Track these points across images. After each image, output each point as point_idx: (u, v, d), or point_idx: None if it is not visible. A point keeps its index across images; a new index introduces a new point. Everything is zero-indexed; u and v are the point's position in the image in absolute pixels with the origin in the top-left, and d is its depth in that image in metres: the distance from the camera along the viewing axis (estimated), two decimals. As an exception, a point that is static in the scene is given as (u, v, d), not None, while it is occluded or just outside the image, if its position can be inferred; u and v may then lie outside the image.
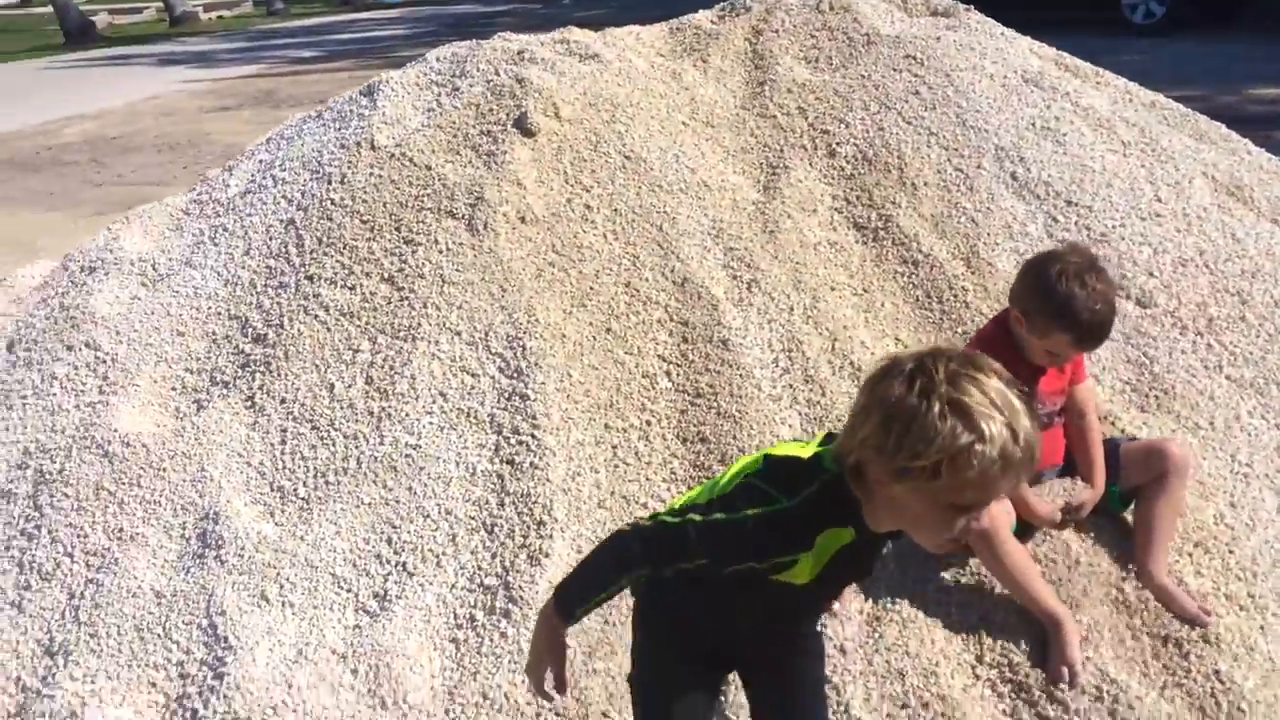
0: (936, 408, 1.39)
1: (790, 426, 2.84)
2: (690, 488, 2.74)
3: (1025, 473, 1.43)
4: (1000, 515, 2.39)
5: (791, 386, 2.91)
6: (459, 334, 2.97)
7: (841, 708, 2.27)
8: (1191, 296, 3.28)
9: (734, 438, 2.76)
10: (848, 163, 3.62)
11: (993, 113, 3.71)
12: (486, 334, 2.98)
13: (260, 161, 3.88)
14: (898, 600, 2.48)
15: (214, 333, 3.18)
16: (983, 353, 2.48)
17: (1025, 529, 2.55)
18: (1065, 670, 2.31)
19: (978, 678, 2.36)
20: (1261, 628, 2.53)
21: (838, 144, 3.68)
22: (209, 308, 3.25)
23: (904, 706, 2.28)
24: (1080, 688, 2.29)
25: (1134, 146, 3.70)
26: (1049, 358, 2.50)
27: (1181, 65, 11.19)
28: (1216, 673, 2.34)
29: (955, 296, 3.22)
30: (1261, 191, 3.77)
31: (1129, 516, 2.65)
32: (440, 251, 3.15)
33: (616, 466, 2.74)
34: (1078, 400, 2.61)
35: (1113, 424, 2.92)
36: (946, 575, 2.53)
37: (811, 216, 3.47)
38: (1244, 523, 2.77)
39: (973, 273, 3.28)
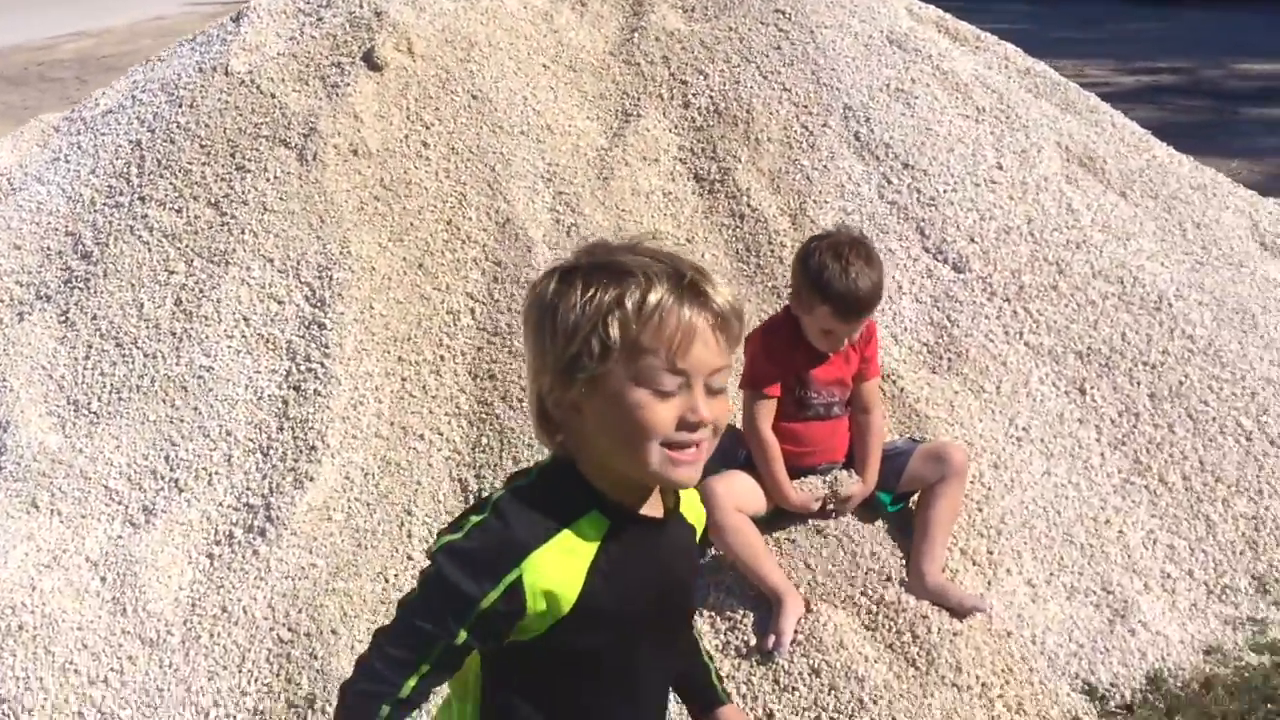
0: (579, 284, 1.23)
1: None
2: (473, 424, 2.85)
3: (712, 304, 1.23)
4: (726, 497, 2.47)
5: (587, 330, 3.00)
6: (271, 261, 3.06)
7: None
8: (1008, 264, 3.34)
9: (519, 375, 2.86)
10: (699, 114, 3.66)
11: (848, 72, 3.73)
12: (299, 263, 3.06)
13: (132, 82, 3.95)
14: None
15: (49, 248, 3.28)
16: (766, 339, 2.57)
17: (781, 515, 2.63)
18: (772, 639, 2.40)
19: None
20: (989, 584, 2.63)
21: (693, 95, 3.72)
22: (49, 223, 3.35)
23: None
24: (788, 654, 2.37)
25: (988, 113, 3.72)
26: (825, 339, 2.57)
27: (1186, 36, 11.05)
28: (924, 617, 2.44)
29: (773, 252, 3.28)
30: (1116, 164, 3.80)
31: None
32: (268, 179, 3.23)
33: (402, 398, 2.84)
34: (863, 396, 2.67)
35: (894, 382, 3.00)
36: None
37: (652, 166, 3.52)
38: (1004, 483, 2.86)
39: (796, 229, 3.34)
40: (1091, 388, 3.12)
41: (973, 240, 3.36)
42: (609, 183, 3.41)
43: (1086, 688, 2.49)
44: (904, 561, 2.60)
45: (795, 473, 2.62)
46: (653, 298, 1.21)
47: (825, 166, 3.50)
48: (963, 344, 3.14)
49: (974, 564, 2.66)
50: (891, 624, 2.47)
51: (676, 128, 3.65)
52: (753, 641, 2.42)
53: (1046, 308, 3.25)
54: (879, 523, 2.69)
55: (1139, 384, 3.14)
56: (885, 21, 3.93)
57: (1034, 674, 2.46)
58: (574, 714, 1.34)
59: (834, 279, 2.48)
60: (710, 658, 1.61)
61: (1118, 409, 3.09)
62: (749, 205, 3.38)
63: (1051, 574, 2.71)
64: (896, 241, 3.36)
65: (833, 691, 2.35)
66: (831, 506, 2.64)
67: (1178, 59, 9.95)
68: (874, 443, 2.67)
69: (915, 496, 2.69)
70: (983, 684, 2.38)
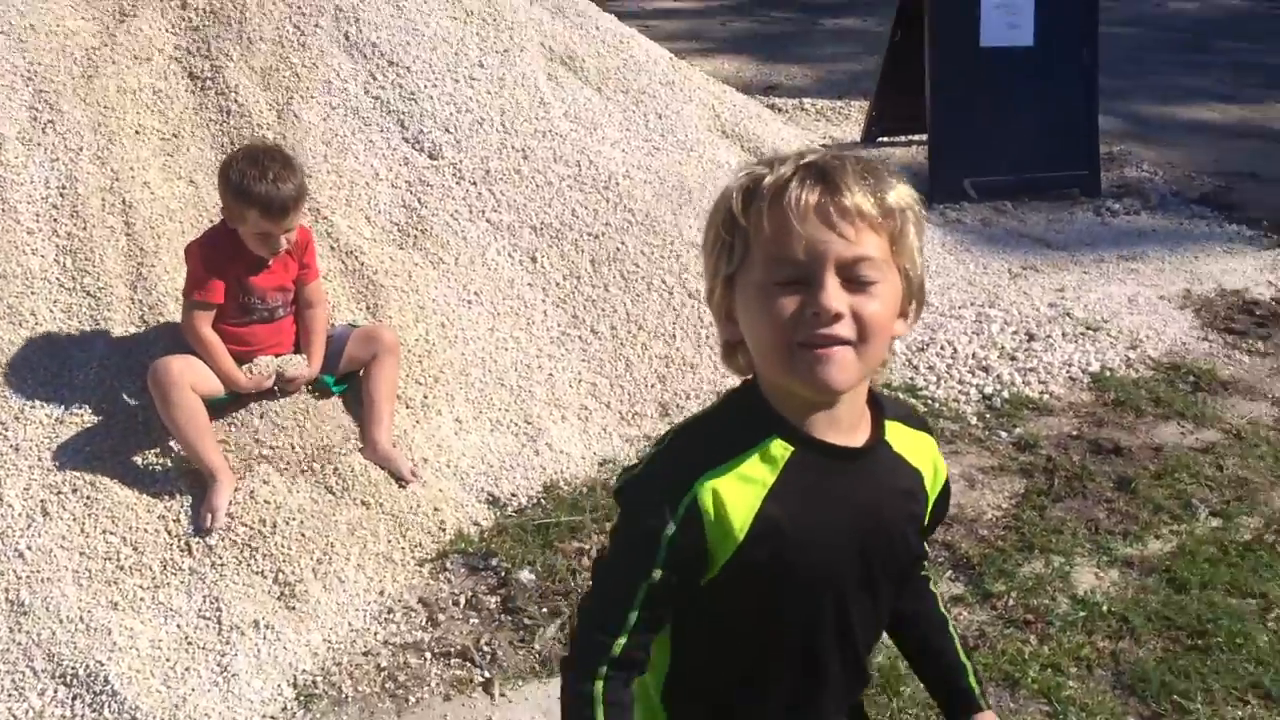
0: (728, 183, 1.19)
1: (43, 256, 3.10)
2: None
3: (842, 190, 1.12)
4: (181, 375, 2.75)
5: (54, 220, 3.17)
6: None
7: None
8: (479, 151, 3.77)
9: (-24, 267, 3.00)
10: (196, 15, 3.82)
11: (343, -25, 4.00)
12: None
13: None
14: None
15: None
16: (205, 250, 2.82)
17: (237, 398, 2.94)
18: (208, 515, 2.70)
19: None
20: (417, 422, 3.09)
21: (193, -4, 3.87)
22: None
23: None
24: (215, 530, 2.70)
25: (476, 15, 4.10)
26: (262, 243, 2.84)
27: None
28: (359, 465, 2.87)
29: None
30: (595, 62, 4.30)
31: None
32: None
33: None
34: (307, 295, 2.99)
35: (357, 258, 3.37)
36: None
37: (144, 65, 3.67)
38: (448, 339, 3.32)
39: (281, 123, 3.61)
40: (542, 256, 3.63)
41: (448, 131, 3.77)
42: (93, 81, 3.54)
43: (490, 498, 3.01)
44: (355, 431, 2.98)
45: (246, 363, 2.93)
46: (770, 179, 1.13)
47: (314, 64, 3.77)
48: (429, 222, 3.56)
49: (407, 407, 3.11)
50: (323, 469, 2.87)
51: (174, 28, 3.80)
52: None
53: (509, 189, 3.72)
54: (326, 401, 3.05)
55: (583, 252, 3.68)
56: (384, -72, 4.20)
57: (443, 493, 2.94)
58: (755, 682, 1.24)
59: (254, 184, 2.77)
60: (968, 655, 1.40)
61: (563, 274, 3.62)
62: (236, 101, 3.62)
63: (480, 412, 3.21)
64: (378, 133, 3.71)
65: (262, 525, 2.73)
66: (278, 387, 2.97)
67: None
68: (318, 331, 3.01)
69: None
70: (392, 500, 2.84)
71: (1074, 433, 3.38)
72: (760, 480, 1.16)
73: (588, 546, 2.85)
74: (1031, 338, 3.95)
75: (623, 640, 1.18)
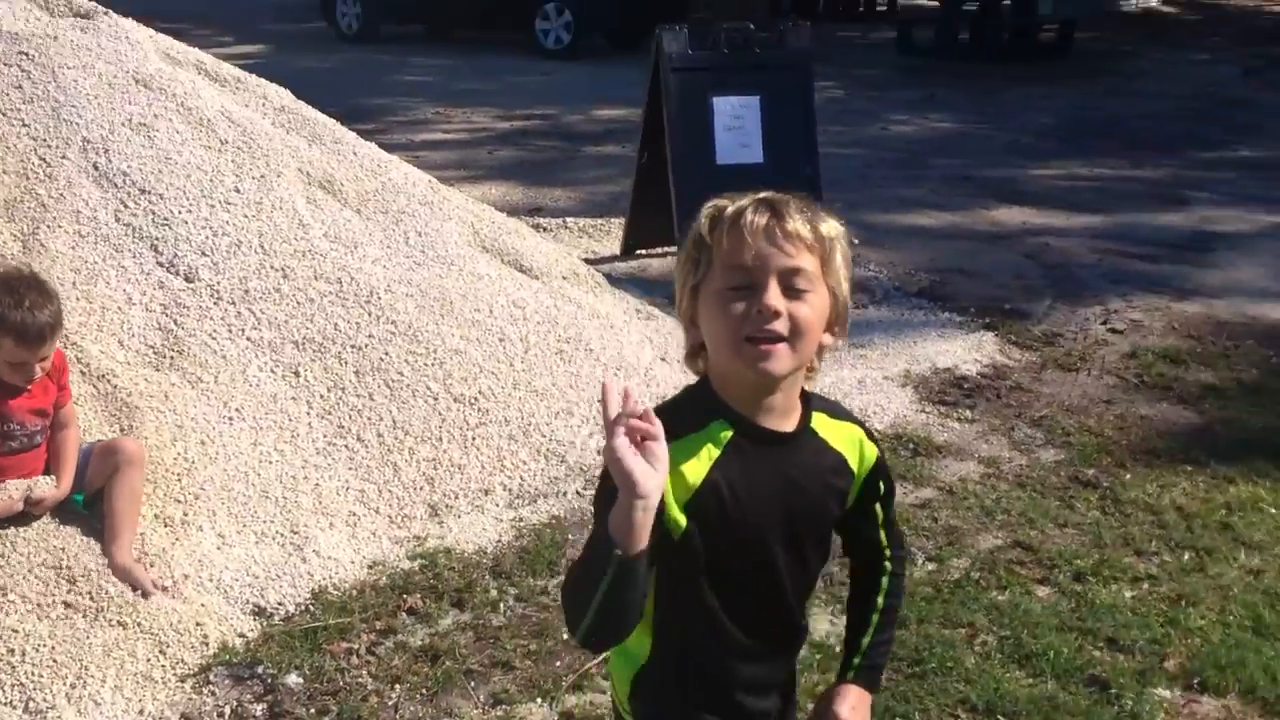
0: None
1: None
2: None
3: (785, 218, 1.41)
4: None
5: None
6: None
7: None
8: (237, 273, 3.85)
9: None
10: (-67, 148, 3.78)
11: (90, 109, 4.05)
12: None
13: None
14: None
15: None
16: None
17: None
18: None
19: None
20: (176, 540, 3.08)
21: (-70, 130, 3.82)
22: None
23: None
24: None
25: (231, 144, 4.23)
26: (17, 372, 2.84)
27: (563, 87, 12.60)
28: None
29: None
30: (353, 186, 4.48)
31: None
32: None
33: None
34: (60, 416, 2.99)
35: (110, 382, 3.36)
36: None
37: (-127, 199, 3.58)
38: (209, 456, 3.33)
39: (26, 252, 3.59)
40: (305, 370, 3.72)
41: (204, 254, 3.83)
42: None
43: (256, 608, 3.02)
44: (98, 549, 2.94)
45: None
46: (731, 209, 1.42)
47: (61, 194, 3.78)
48: (186, 343, 3.59)
49: (166, 525, 3.09)
50: (72, 591, 2.81)
51: (-91, 163, 3.73)
52: None
53: (269, 307, 3.80)
54: (77, 520, 3.01)
55: (346, 363, 3.79)
56: (133, 64, 4.30)
57: (205, 607, 2.93)
58: (714, 621, 1.47)
59: (9, 312, 2.78)
60: (875, 637, 1.64)
61: (327, 386, 3.71)
62: (-22, 233, 3.57)
63: (244, 525, 3.23)
64: (130, 259, 3.74)
65: (10, 654, 2.64)
66: (27, 509, 2.92)
67: (549, 107, 11.42)
68: (68, 452, 3.00)
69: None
70: (150, 618, 2.81)
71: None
72: (706, 454, 1.42)
73: (357, 645, 2.90)
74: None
75: None
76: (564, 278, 4.89)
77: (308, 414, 3.61)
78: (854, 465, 1.55)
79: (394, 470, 3.59)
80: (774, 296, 1.38)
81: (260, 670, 2.78)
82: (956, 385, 4.69)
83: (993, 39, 15.55)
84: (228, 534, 3.17)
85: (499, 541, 3.44)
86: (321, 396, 3.67)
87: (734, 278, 1.40)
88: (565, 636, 2.94)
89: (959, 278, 6.23)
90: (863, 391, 4.59)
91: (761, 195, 1.44)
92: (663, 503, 1.33)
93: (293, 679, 2.76)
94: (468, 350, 4.02)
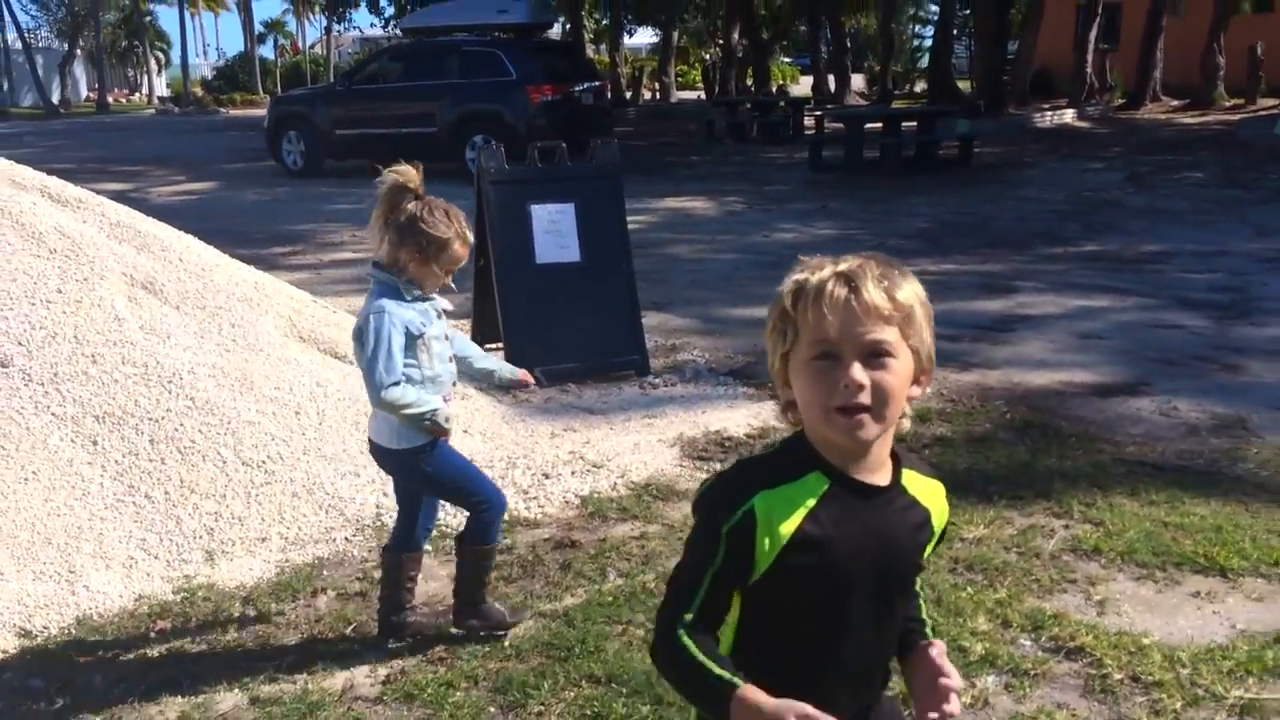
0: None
1: None
2: None
3: (862, 290, 1.47)
4: None
5: None
6: None
7: None
8: (50, 359, 4.45)
9: None
10: None
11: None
12: None
13: None
14: None
15: None
16: None
17: None
18: None
19: None
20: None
21: None
22: None
23: None
24: None
25: (60, 252, 4.88)
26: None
27: None
28: None
29: None
30: (175, 286, 5.12)
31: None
32: None
33: None
34: None
35: (-84, 448, 3.93)
36: None
37: None
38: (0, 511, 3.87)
39: None
40: (103, 440, 4.28)
41: (20, 344, 4.44)
42: None
43: (21, 630, 3.52)
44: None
45: None
46: (813, 281, 1.48)
47: (-100, 297, 4.41)
48: (-5, 420, 4.17)
49: (-54, 563, 3.61)
50: None
51: None
52: None
53: (75, 387, 4.39)
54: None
55: (142, 433, 4.35)
56: (-19, 189, 4.99)
57: (-29, 628, 3.44)
58: (792, 659, 1.54)
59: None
60: (928, 614, 1.75)
61: (122, 452, 4.27)
62: None
63: (23, 565, 3.75)
64: (-44, 349, 4.34)
65: None
66: None
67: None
68: None
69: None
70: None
71: (546, 536, 4.25)
72: (803, 503, 1.49)
73: (109, 656, 3.40)
74: (546, 476, 4.87)
75: (692, 614, 1.50)
76: (381, 364, 5.50)
77: (101, 476, 4.17)
78: (934, 521, 1.62)
79: (176, 522, 4.12)
80: (858, 371, 1.45)
81: (6, 676, 3.27)
82: (719, 444, 5.26)
83: (894, 155, 16.61)
84: (6, 572, 3.69)
85: (261, 578, 3.96)
86: (116, 461, 4.23)
87: (819, 348, 1.47)
88: (283, 643, 3.45)
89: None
90: (635, 452, 5.16)
91: (840, 266, 1.49)
92: (747, 552, 1.47)
93: (35, 682, 3.25)
94: (261, 422, 4.60)
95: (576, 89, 17.11)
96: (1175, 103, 26.63)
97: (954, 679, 1.53)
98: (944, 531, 1.68)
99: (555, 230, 6.48)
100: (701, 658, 1.47)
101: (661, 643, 1.53)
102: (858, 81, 37.88)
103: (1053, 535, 4.09)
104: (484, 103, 16.30)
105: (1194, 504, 4.31)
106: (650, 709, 3.03)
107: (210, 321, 5.03)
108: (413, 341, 3.23)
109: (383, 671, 3.30)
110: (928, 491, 1.63)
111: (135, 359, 4.59)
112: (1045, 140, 20.71)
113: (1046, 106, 25.89)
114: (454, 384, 3.45)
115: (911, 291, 1.51)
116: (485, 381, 4.12)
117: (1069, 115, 24.67)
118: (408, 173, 3.25)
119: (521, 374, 3.61)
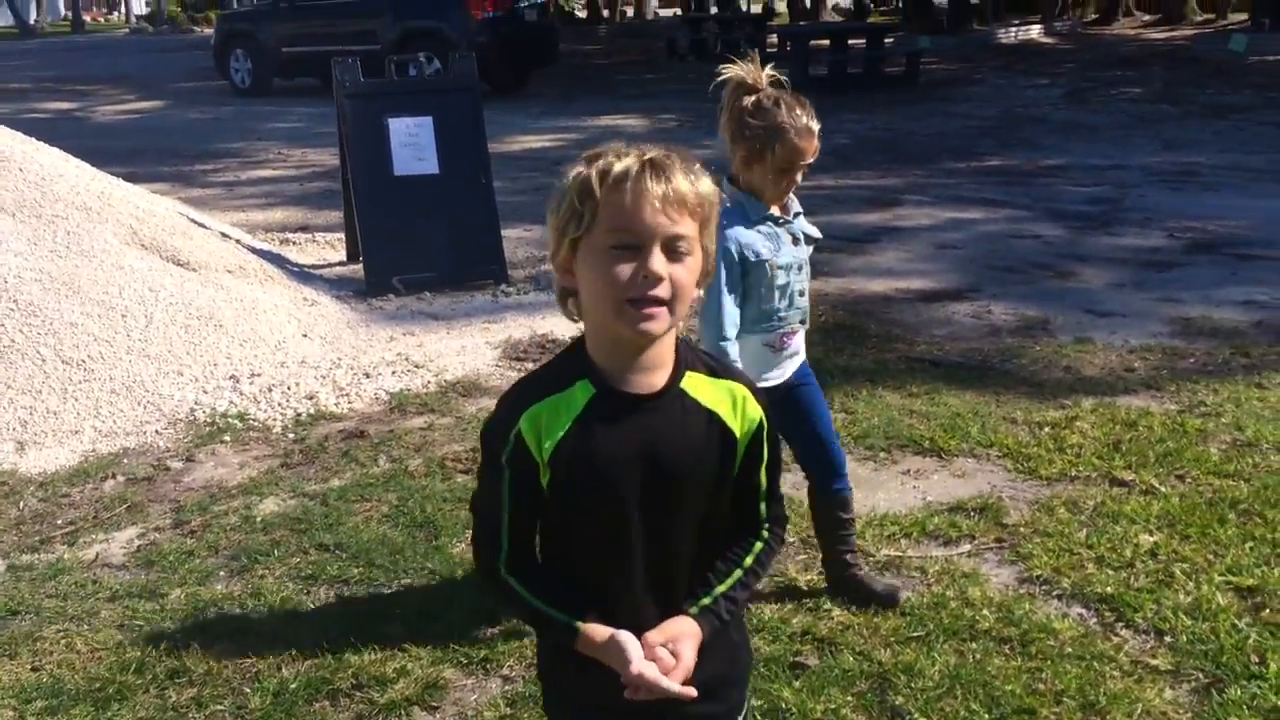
0: (576, 165, 1.48)
1: None
2: None
3: (671, 180, 1.43)
4: None
5: None
6: None
7: None
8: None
9: None
10: None
11: None
12: None
13: None
14: None
15: None
16: None
17: None
18: None
19: None
20: None
21: None
22: None
23: None
24: None
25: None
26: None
27: None
28: None
29: None
30: (12, 195, 5.36)
31: None
32: None
33: None
34: None
35: None
36: None
37: None
38: None
39: None
40: (-76, 338, 4.55)
41: None
42: None
43: None
44: None
45: None
46: (618, 167, 1.43)
47: None
48: None
49: None
50: None
51: None
52: None
53: (-101, 290, 4.65)
54: None
55: (-38, 333, 4.62)
56: None
57: None
58: (579, 575, 1.55)
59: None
60: (731, 590, 1.60)
61: (-58, 350, 4.55)
62: None
63: None
64: None
65: None
66: None
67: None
68: None
69: None
70: None
71: (342, 429, 4.54)
72: (568, 413, 1.49)
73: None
74: (367, 376, 5.14)
75: (506, 555, 1.53)
76: (228, 271, 5.76)
77: (-77, 375, 4.44)
78: (733, 425, 1.56)
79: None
80: (658, 262, 1.42)
81: None
82: (541, 346, 5.52)
83: (840, 71, 16.60)
84: None
85: (62, 465, 4.25)
86: (-65, 359, 4.51)
87: (620, 238, 1.42)
88: (57, 526, 3.77)
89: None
90: (459, 354, 5.42)
91: (648, 155, 1.45)
92: (528, 464, 1.49)
93: None
94: (84, 323, 4.86)
95: (520, 4, 17.05)
96: (1147, 18, 26.38)
97: (682, 660, 1.49)
98: (756, 442, 1.58)
99: (414, 143, 6.65)
100: (535, 601, 1.54)
101: (489, 584, 1.58)
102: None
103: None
104: (425, 19, 16.25)
105: (949, 395, 4.59)
106: (361, 570, 3.34)
107: (45, 229, 5.27)
108: (753, 269, 2.75)
109: (137, 543, 3.61)
110: (718, 394, 1.56)
111: (-31, 264, 4.84)
112: (1003, 57, 20.59)
113: (1017, 22, 25.63)
114: (803, 324, 2.92)
115: (712, 189, 1.50)
116: None
117: (1035, 31, 24.44)
118: (745, 66, 2.74)
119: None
